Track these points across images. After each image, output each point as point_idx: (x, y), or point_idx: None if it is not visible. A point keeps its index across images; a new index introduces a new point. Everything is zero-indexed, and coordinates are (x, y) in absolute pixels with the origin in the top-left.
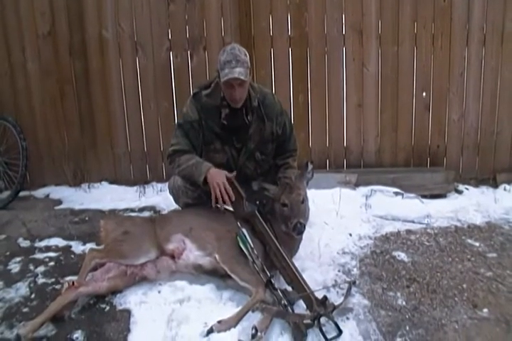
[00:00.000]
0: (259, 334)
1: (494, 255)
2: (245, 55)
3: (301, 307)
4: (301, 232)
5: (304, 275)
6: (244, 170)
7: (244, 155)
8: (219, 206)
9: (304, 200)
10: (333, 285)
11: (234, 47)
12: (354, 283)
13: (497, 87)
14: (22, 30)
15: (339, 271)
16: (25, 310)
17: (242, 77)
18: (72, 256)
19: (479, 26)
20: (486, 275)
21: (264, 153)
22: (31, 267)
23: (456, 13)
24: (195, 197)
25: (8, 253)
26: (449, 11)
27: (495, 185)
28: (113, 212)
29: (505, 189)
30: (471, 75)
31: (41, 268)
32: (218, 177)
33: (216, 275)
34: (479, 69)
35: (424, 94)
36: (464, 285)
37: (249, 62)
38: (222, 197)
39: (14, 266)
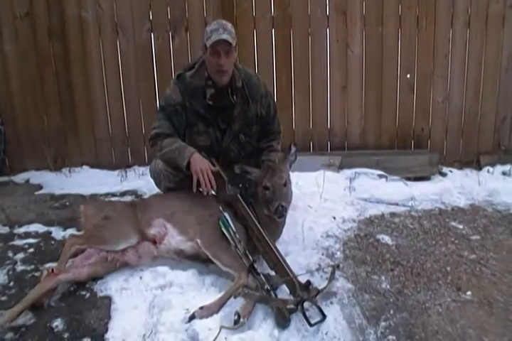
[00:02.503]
0: (241, 320)
1: (478, 237)
2: (232, 27)
3: (284, 291)
4: (282, 215)
5: (287, 259)
6: (228, 152)
7: (228, 137)
8: (200, 190)
9: (287, 183)
10: (317, 269)
11: (221, 20)
12: (338, 266)
13: (481, 69)
14: None
15: (323, 254)
16: (4, 298)
17: (230, 40)
18: (53, 242)
19: (464, 8)
20: (469, 257)
21: (248, 135)
22: (10, 254)
23: None
24: (177, 181)
25: None
26: None
27: (478, 167)
28: (94, 196)
29: (488, 171)
30: (455, 57)
31: (20, 255)
32: (201, 164)
33: (198, 261)
34: (464, 51)
35: (408, 75)
36: (448, 268)
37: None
38: (204, 184)
39: None
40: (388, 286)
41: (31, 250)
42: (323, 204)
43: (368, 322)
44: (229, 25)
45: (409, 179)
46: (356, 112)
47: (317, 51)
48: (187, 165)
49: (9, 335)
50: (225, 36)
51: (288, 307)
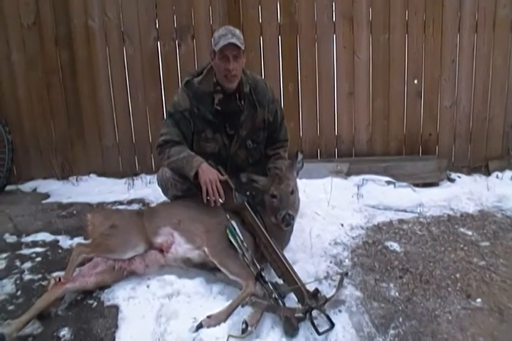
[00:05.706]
0: (249, 328)
1: (487, 244)
2: (240, 33)
3: (292, 300)
4: (289, 224)
5: (295, 267)
6: (236, 159)
7: (236, 143)
8: (209, 199)
9: (294, 191)
10: (325, 277)
11: (229, 26)
12: (346, 274)
13: (489, 74)
14: (6, 21)
15: (331, 262)
16: (11, 307)
17: (238, 44)
18: (60, 251)
19: (471, 13)
20: (479, 264)
21: (256, 141)
22: (17, 263)
23: (448, 0)
24: (184, 189)
25: None
26: None
27: (487, 172)
28: (101, 205)
29: (497, 177)
30: (463, 62)
31: (28, 264)
32: (210, 174)
33: (205, 269)
34: (471, 56)
35: (415, 81)
36: (457, 275)
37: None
38: (213, 194)
39: (0, 263)
40: (397, 294)
41: (38, 259)
42: (331, 211)
43: (377, 331)
44: (237, 31)
45: (417, 185)
46: (364, 118)
47: (324, 57)
48: (195, 175)
49: None
50: (233, 40)
51: (296, 315)
